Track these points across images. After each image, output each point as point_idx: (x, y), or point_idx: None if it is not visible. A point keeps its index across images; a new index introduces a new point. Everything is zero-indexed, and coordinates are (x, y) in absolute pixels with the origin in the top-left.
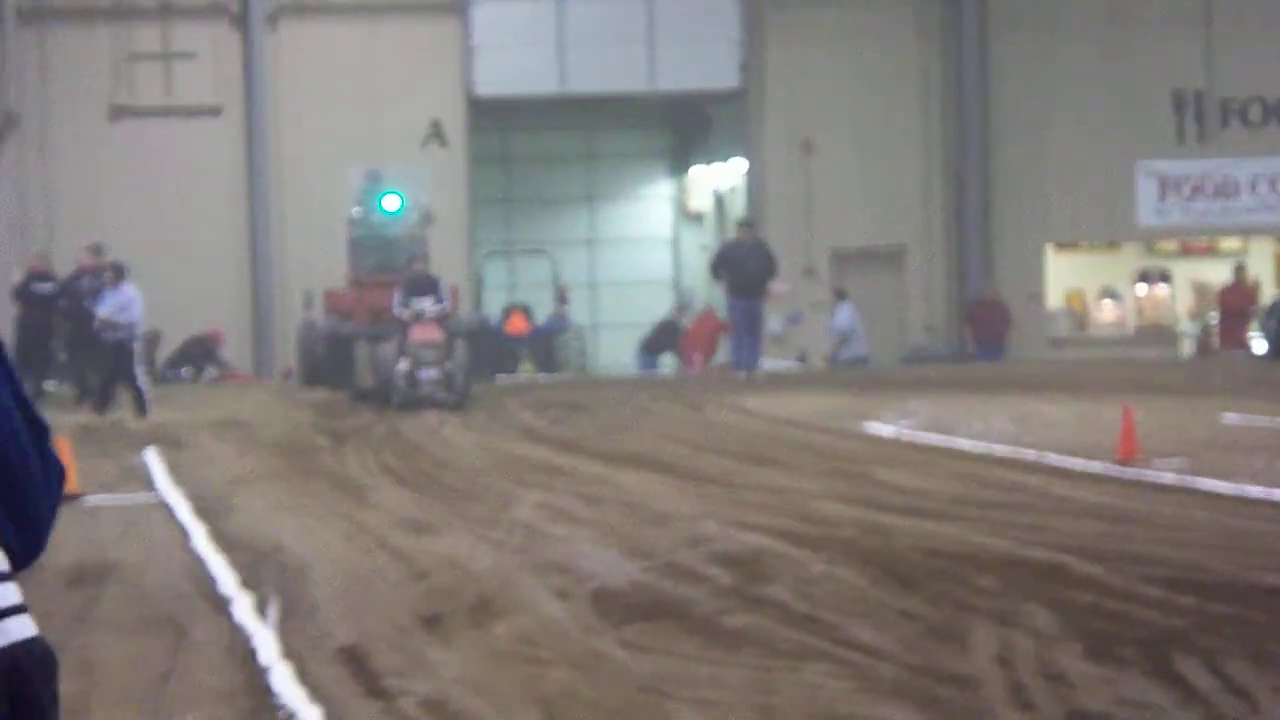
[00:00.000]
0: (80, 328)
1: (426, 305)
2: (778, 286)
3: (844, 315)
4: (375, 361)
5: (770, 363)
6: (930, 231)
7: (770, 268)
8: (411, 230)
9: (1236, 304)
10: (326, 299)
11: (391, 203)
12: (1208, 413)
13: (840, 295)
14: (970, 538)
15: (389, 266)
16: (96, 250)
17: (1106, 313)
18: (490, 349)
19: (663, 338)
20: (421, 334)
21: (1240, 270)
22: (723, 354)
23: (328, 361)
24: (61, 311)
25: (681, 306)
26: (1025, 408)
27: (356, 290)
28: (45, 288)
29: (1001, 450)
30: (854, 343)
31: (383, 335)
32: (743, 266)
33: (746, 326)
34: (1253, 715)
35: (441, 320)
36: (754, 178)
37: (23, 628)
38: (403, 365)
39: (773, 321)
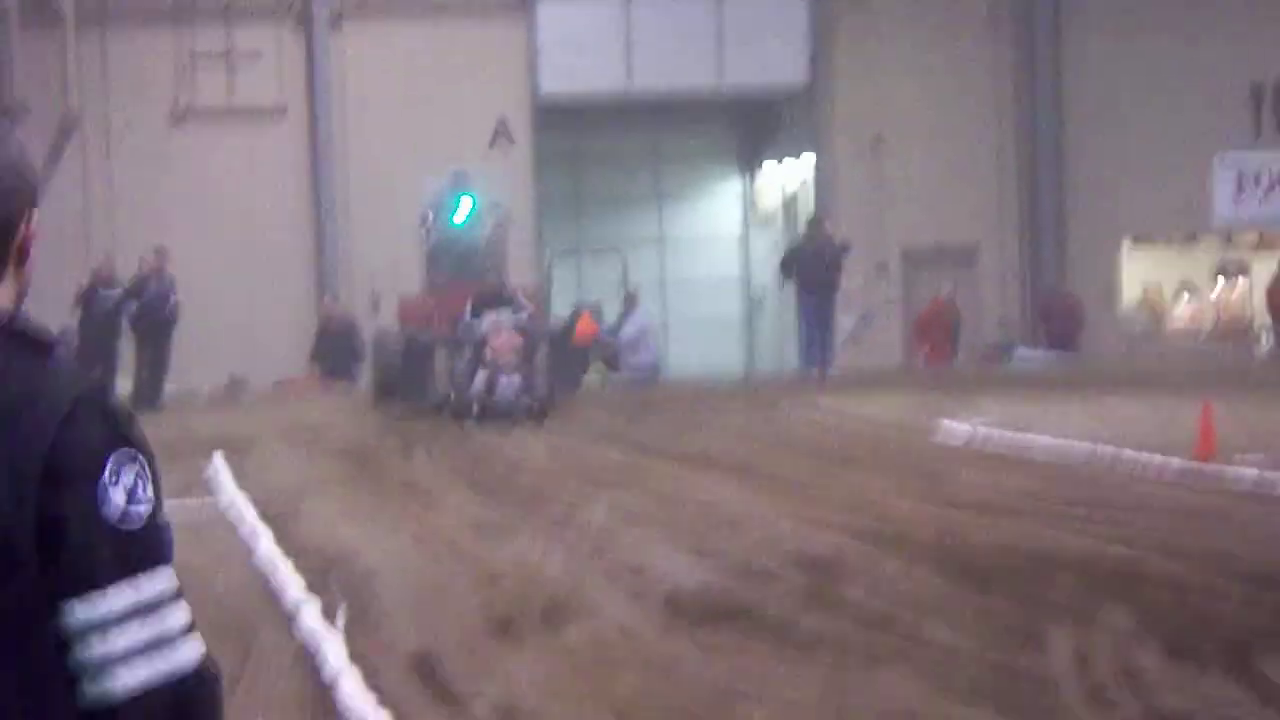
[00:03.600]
0: (151, 329)
1: (504, 318)
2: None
3: (632, 324)
4: (452, 376)
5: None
6: (1003, 227)
7: (840, 265)
8: (492, 234)
9: None
10: (401, 307)
11: (464, 207)
12: None
13: (630, 302)
14: (1047, 536)
15: (468, 272)
16: (161, 253)
17: (1184, 309)
18: (572, 354)
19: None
20: (499, 341)
21: None
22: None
23: (404, 373)
24: (131, 315)
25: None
26: (1102, 405)
27: (434, 297)
28: (110, 295)
29: (1078, 448)
30: (641, 352)
31: (463, 343)
32: (813, 264)
33: (818, 324)
34: None
35: (521, 328)
36: (823, 175)
37: (193, 650)
38: (479, 381)
39: (845, 321)
